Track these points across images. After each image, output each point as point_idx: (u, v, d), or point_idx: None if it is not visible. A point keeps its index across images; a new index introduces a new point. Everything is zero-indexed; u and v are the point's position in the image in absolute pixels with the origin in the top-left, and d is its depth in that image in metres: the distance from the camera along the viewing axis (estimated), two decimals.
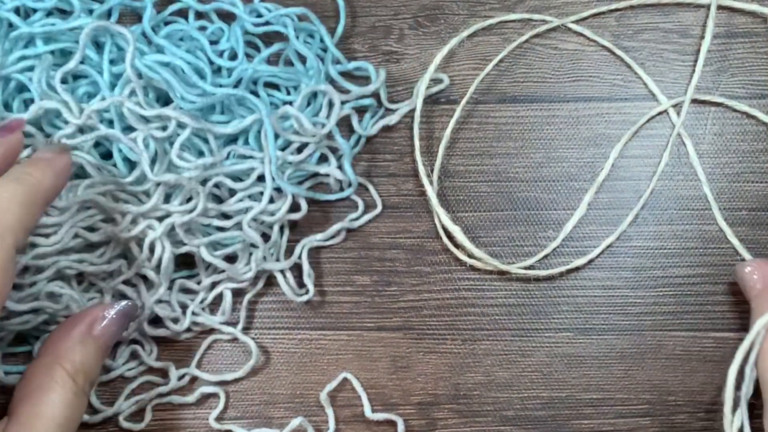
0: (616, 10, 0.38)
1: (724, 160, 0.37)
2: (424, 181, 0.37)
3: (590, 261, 0.37)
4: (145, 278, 0.36)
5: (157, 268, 0.35)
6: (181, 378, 0.37)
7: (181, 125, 0.35)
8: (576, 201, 0.37)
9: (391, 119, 0.38)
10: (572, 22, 0.38)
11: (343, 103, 0.36)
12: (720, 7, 0.38)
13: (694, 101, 0.38)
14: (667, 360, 0.36)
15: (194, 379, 0.37)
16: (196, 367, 0.37)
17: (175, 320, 0.36)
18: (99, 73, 0.35)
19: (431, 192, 0.37)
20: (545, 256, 0.37)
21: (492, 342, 0.37)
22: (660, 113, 0.38)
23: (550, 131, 0.38)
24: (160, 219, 0.35)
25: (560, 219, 0.37)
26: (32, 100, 0.35)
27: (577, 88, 0.38)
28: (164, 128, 0.35)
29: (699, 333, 0.37)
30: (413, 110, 0.37)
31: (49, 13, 0.36)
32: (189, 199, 0.35)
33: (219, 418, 0.36)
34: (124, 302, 0.33)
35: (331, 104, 0.36)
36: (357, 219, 0.37)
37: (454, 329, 0.37)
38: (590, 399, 0.37)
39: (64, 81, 0.35)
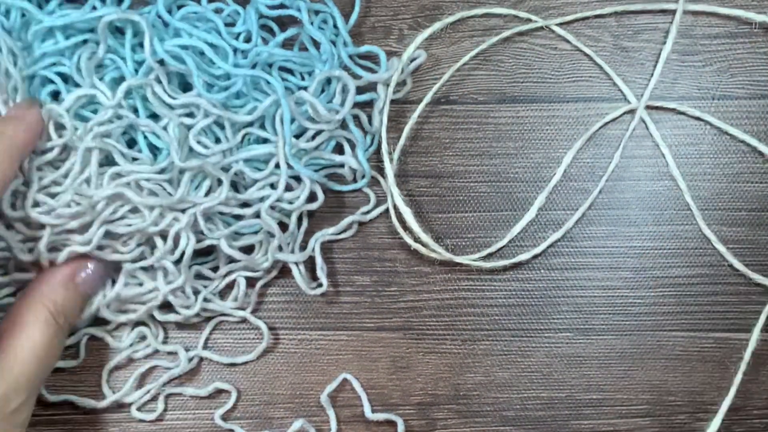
0: (615, 13, 0.38)
1: (724, 160, 0.37)
2: (385, 158, 0.37)
3: (534, 256, 0.37)
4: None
5: (178, 259, 0.35)
6: (190, 360, 0.37)
7: (206, 113, 0.35)
8: (578, 201, 0.37)
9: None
10: (557, 24, 0.38)
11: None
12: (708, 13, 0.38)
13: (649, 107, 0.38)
14: (667, 360, 0.36)
15: (206, 371, 0.37)
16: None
17: (187, 306, 0.36)
18: (122, 60, 0.35)
19: (389, 169, 0.37)
20: (496, 251, 0.37)
21: (492, 342, 0.37)
22: (621, 115, 0.38)
23: (549, 131, 0.38)
24: (183, 211, 0.35)
25: (560, 219, 0.37)
26: (58, 93, 0.35)
27: (577, 88, 0.38)
28: (190, 115, 0.35)
29: (699, 333, 0.37)
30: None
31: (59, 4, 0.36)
32: (207, 192, 0.35)
33: (225, 418, 0.36)
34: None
35: (345, 90, 0.36)
36: (368, 212, 0.37)
37: (454, 329, 0.37)
38: (590, 399, 0.37)
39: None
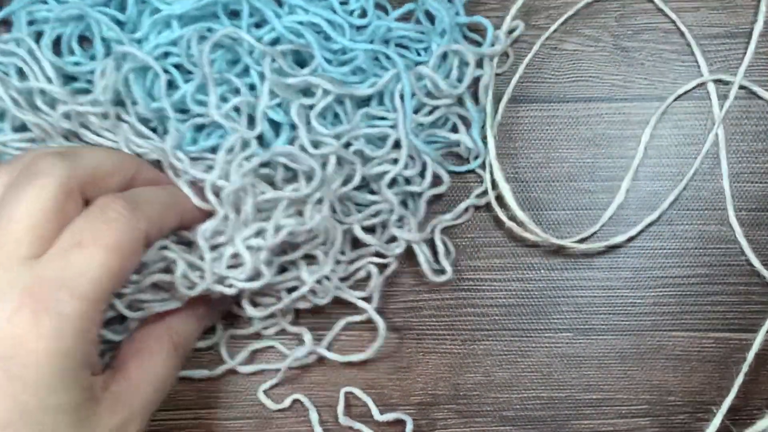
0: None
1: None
2: (488, 132, 0.37)
3: (630, 239, 0.37)
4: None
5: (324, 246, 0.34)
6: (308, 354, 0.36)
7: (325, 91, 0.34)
8: (576, 201, 0.37)
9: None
10: None
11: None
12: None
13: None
14: (667, 360, 0.36)
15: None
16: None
17: (322, 295, 0.35)
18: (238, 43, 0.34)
19: (492, 143, 0.36)
20: (594, 233, 0.37)
21: (492, 342, 0.37)
22: (696, 86, 0.38)
23: (550, 131, 0.38)
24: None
25: (560, 219, 0.37)
26: (170, 83, 0.35)
27: (577, 88, 0.38)
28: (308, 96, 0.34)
29: (699, 333, 0.37)
30: None
31: None
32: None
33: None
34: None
35: (463, 64, 0.35)
36: (482, 195, 0.37)
37: (454, 329, 0.37)
38: (590, 399, 0.37)
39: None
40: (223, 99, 0.34)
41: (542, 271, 0.37)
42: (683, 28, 0.38)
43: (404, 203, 0.36)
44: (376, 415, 0.36)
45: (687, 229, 0.37)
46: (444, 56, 0.36)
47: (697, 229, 0.37)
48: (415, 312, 0.37)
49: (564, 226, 0.37)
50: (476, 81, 0.37)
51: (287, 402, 0.36)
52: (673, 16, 0.38)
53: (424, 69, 0.35)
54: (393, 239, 0.36)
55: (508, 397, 0.37)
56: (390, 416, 0.36)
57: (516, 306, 0.37)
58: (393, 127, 0.35)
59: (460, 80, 0.36)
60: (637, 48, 0.38)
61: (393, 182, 0.35)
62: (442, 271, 0.36)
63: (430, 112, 0.36)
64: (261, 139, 0.35)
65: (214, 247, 0.32)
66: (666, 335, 0.37)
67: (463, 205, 0.37)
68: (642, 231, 0.37)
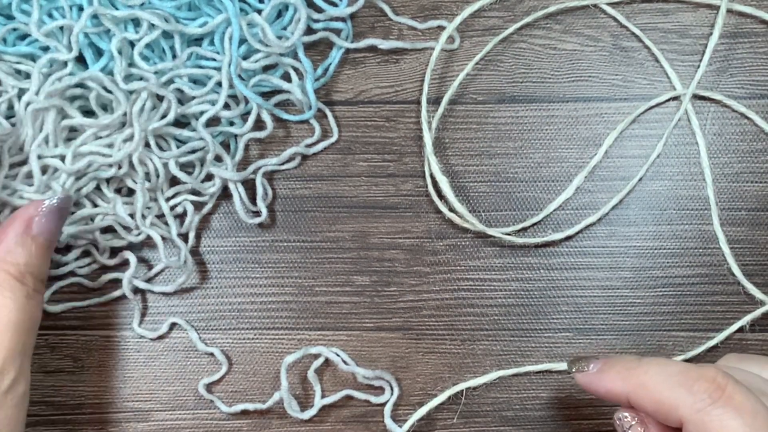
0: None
1: (723, 160, 0.37)
2: (424, 125, 0.37)
3: (568, 237, 0.37)
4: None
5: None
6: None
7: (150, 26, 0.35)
8: (576, 201, 0.37)
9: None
10: (606, 4, 0.38)
11: (316, 21, 0.37)
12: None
13: (696, 96, 0.38)
14: None
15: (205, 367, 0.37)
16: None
17: (129, 228, 0.36)
18: None
19: (427, 137, 0.37)
20: (525, 228, 0.37)
21: (492, 342, 0.37)
22: (667, 100, 0.38)
23: (549, 131, 0.38)
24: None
25: (560, 219, 0.37)
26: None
27: (577, 88, 0.38)
28: (136, 30, 0.35)
29: (699, 333, 0.37)
30: (418, 104, 0.37)
31: None
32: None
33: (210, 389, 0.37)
34: (55, 197, 0.32)
35: (299, 18, 0.36)
36: (312, 145, 0.38)
37: (454, 329, 0.37)
38: (590, 399, 0.37)
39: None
40: (50, 15, 0.36)
41: (542, 271, 0.37)
42: (648, 43, 0.38)
43: (228, 145, 0.37)
44: (360, 378, 0.36)
45: (687, 229, 0.37)
46: (287, 8, 0.37)
47: (697, 229, 0.37)
48: (414, 312, 0.37)
49: (564, 226, 0.37)
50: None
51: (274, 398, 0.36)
52: (637, 32, 0.38)
53: (256, 17, 0.35)
54: (211, 178, 0.37)
55: (508, 397, 0.37)
56: (370, 373, 0.36)
57: (516, 306, 0.37)
58: (219, 69, 0.36)
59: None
60: (636, 48, 0.38)
61: (216, 123, 0.36)
62: (257, 214, 0.37)
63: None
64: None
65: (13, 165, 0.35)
66: (666, 335, 0.37)
67: (289, 152, 0.37)
68: (581, 231, 0.37)
